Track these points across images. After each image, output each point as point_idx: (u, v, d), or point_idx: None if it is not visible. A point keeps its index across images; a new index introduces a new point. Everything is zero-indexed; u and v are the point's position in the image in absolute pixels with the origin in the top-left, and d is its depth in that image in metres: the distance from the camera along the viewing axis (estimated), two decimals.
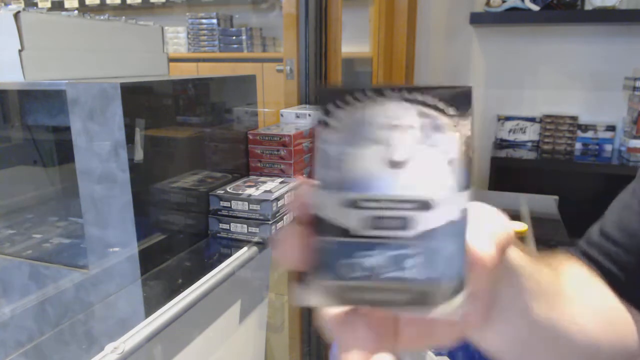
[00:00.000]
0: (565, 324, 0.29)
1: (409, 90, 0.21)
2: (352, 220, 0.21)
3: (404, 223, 0.20)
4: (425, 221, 0.20)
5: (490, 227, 0.23)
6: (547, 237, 0.98)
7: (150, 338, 0.58)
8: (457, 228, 0.20)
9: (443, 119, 0.21)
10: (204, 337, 0.64)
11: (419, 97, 0.21)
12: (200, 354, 0.64)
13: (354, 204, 0.21)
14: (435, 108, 0.21)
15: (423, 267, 0.20)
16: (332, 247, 0.21)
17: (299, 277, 0.21)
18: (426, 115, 0.21)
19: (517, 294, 0.27)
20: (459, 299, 0.20)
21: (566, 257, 0.36)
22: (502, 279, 0.25)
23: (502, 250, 0.23)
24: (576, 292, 0.32)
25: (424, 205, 0.20)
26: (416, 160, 0.21)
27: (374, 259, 0.21)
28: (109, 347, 0.53)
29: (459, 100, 0.21)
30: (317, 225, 0.21)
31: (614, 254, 0.37)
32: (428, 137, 0.21)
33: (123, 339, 0.55)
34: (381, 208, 0.21)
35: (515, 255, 0.26)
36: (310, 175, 0.21)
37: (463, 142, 0.21)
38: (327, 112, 0.21)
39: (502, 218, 0.24)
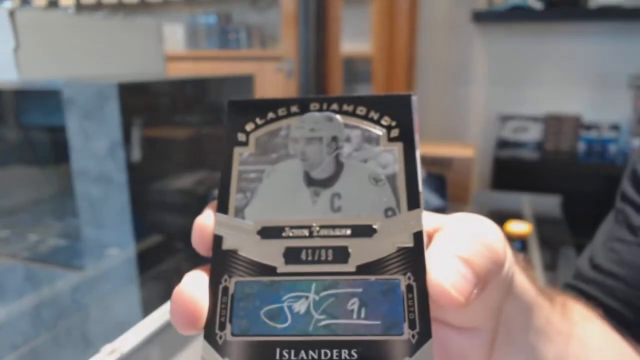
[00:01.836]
0: None
1: (337, 101, 0.18)
2: (274, 253, 0.16)
3: (340, 254, 0.16)
4: (367, 250, 0.16)
5: (465, 249, 0.17)
6: (550, 238, 0.97)
7: (148, 340, 0.57)
8: (411, 256, 0.16)
9: (377, 130, 0.18)
10: (202, 339, 0.63)
11: (347, 107, 0.18)
12: (198, 356, 0.63)
13: (276, 233, 0.17)
14: (368, 118, 0.18)
15: (372, 309, 0.16)
16: (251, 290, 0.16)
17: (207, 336, 0.16)
18: (355, 127, 0.18)
19: (524, 331, 0.22)
20: (425, 349, 0.15)
21: (563, 294, 0.31)
22: (507, 313, 0.21)
23: (485, 279, 0.17)
24: (586, 334, 0.28)
25: (363, 231, 0.16)
26: (345, 177, 0.17)
27: (307, 302, 0.16)
28: (105, 349, 0.52)
29: (395, 108, 0.18)
30: (230, 263, 0.16)
31: (617, 290, 0.35)
32: (359, 150, 0.18)
33: (120, 340, 0.54)
34: (310, 236, 0.16)
35: (523, 285, 0.21)
36: (219, 203, 0.17)
37: (405, 153, 0.17)
38: (243, 129, 0.18)
39: (491, 232, 0.18)
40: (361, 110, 0.18)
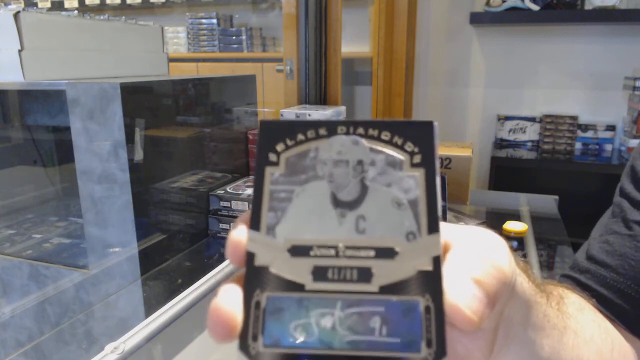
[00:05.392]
0: (569, 359, 0.27)
1: (362, 125, 0.19)
2: (303, 271, 0.17)
3: (364, 274, 0.17)
4: (389, 272, 0.17)
5: (478, 271, 0.18)
6: (547, 237, 0.98)
7: (150, 338, 0.58)
8: (430, 279, 0.17)
9: (400, 155, 0.19)
10: (204, 337, 0.64)
11: (372, 131, 0.19)
12: (200, 354, 0.64)
13: (305, 252, 0.18)
14: (391, 143, 0.19)
15: (393, 327, 0.17)
16: (281, 305, 0.17)
17: (241, 346, 0.17)
18: (380, 151, 0.19)
19: (523, 328, 0.24)
20: None
21: (559, 285, 0.33)
22: (508, 313, 0.22)
23: (494, 298, 0.18)
24: (579, 324, 0.30)
25: (385, 253, 0.17)
26: (369, 200, 0.18)
27: (334, 318, 0.17)
28: (109, 347, 0.53)
29: (418, 134, 0.19)
30: (262, 279, 0.17)
31: (609, 279, 0.36)
32: (383, 175, 0.19)
33: (123, 338, 0.55)
34: (336, 256, 0.17)
35: (522, 286, 0.23)
36: (252, 221, 0.18)
37: (426, 179, 0.18)
38: (274, 150, 0.19)
39: (499, 251, 0.20)
40: (385, 135, 0.19)
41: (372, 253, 0.18)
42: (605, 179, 1.81)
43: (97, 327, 0.75)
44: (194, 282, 0.70)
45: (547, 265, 0.86)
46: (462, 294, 0.17)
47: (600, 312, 0.36)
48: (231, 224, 0.90)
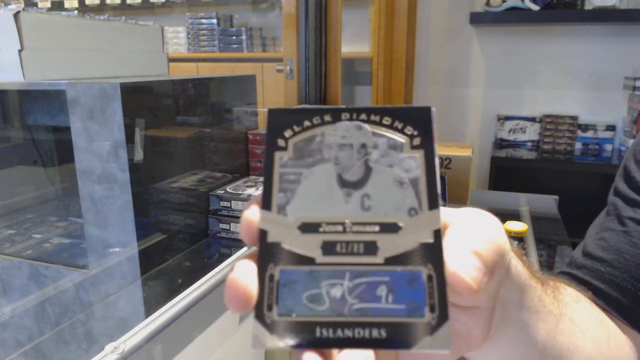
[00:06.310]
0: (565, 345, 0.28)
1: (365, 111, 0.20)
2: (313, 246, 0.19)
3: (370, 248, 0.19)
4: (393, 245, 0.19)
5: (476, 243, 0.20)
6: (547, 237, 0.98)
7: (150, 338, 0.58)
8: (431, 250, 0.18)
9: (401, 138, 0.20)
10: (204, 337, 0.64)
11: (374, 117, 0.20)
12: (200, 354, 0.64)
13: (314, 228, 0.19)
14: (392, 127, 0.20)
15: (398, 295, 0.18)
16: (293, 277, 0.18)
17: (257, 316, 0.18)
18: (382, 135, 0.20)
19: (518, 310, 0.25)
20: (443, 329, 0.17)
21: (556, 279, 0.34)
22: (503, 294, 0.23)
23: (492, 268, 0.20)
24: (575, 314, 0.31)
25: (389, 228, 0.19)
26: (373, 180, 0.20)
27: (343, 288, 0.18)
28: (108, 347, 0.53)
29: (417, 119, 0.20)
30: (275, 254, 0.19)
31: (605, 273, 0.38)
32: (385, 156, 0.20)
33: (123, 339, 0.55)
34: (343, 232, 0.19)
35: (517, 269, 0.24)
36: (263, 201, 0.19)
37: (426, 160, 0.20)
38: (282, 136, 0.20)
39: (495, 228, 0.21)
40: (387, 120, 0.20)
41: (377, 228, 0.19)
42: (605, 179, 1.81)
43: (97, 327, 0.75)
44: (194, 282, 0.70)
45: (547, 265, 0.86)
46: (462, 263, 0.19)
47: (597, 304, 0.37)
48: (231, 224, 0.90)
